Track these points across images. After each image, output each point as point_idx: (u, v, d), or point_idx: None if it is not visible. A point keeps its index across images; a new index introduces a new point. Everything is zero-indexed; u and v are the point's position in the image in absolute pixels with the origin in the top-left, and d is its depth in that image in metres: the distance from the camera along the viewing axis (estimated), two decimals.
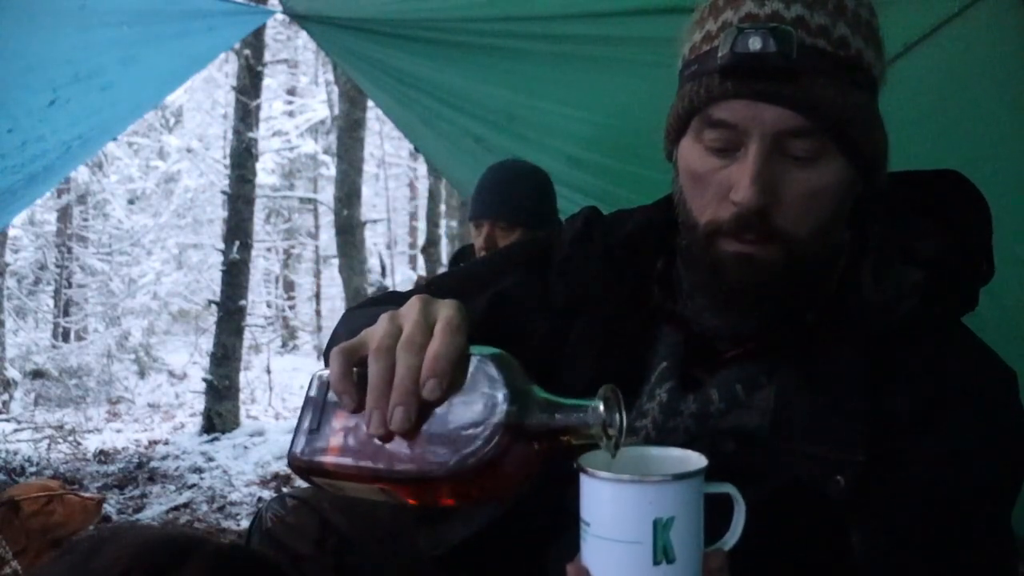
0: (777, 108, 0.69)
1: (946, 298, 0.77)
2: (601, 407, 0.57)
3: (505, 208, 1.86)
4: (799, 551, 0.71)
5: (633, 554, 0.56)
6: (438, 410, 0.58)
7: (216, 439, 5.91)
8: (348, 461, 0.60)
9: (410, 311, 0.60)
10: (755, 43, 0.67)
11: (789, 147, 0.70)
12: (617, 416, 0.58)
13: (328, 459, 0.61)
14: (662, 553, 0.55)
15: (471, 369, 0.58)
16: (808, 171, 0.71)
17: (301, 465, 0.63)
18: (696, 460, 0.59)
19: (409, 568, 1.19)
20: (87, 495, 2.19)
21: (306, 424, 0.62)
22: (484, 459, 0.56)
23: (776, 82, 0.68)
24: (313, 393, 0.63)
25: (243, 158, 6.50)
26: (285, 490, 4.53)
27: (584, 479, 0.57)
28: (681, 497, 0.56)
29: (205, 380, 6.37)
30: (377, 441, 0.59)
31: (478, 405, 0.57)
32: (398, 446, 0.58)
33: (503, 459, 0.56)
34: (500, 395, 0.57)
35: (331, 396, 0.61)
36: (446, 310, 0.60)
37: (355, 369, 0.59)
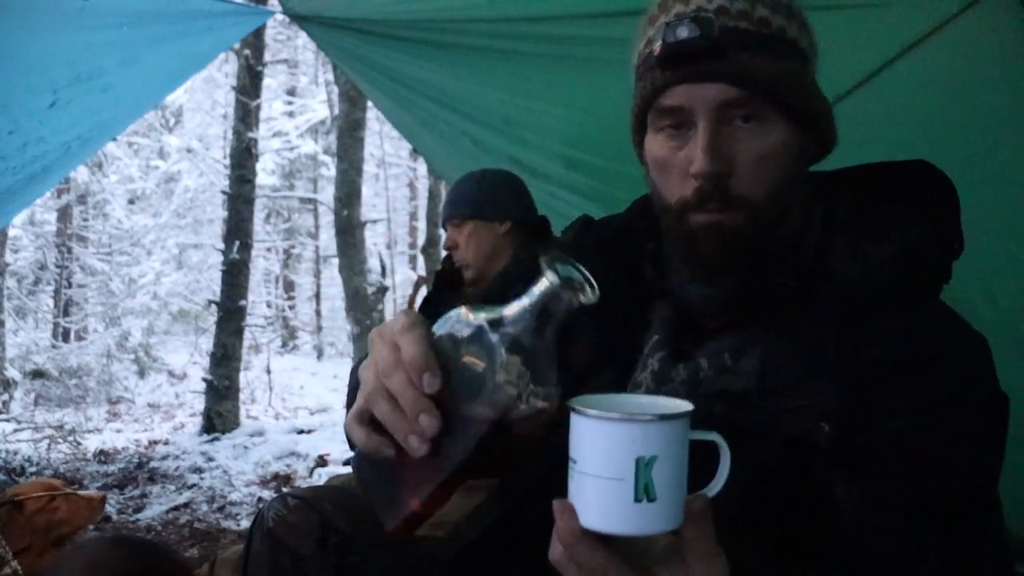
0: (713, 84, 0.78)
1: (918, 270, 0.83)
2: (550, 272, 0.63)
3: (452, 208, 2.02)
4: (791, 507, 0.75)
5: (616, 490, 0.58)
6: (451, 394, 0.62)
7: (216, 439, 5.92)
8: (429, 489, 0.63)
9: (374, 348, 0.65)
10: (682, 32, 0.77)
11: (733, 117, 0.79)
12: (570, 267, 0.63)
13: (414, 506, 0.64)
14: (643, 491, 0.57)
15: (449, 345, 0.63)
16: (754, 136, 0.79)
17: (402, 531, 0.65)
18: (682, 405, 0.61)
19: (410, 568, 1.19)
20: (89, 492, 2.20)
21: (379, 497, 0.66)
22: (509, 389, 0.61)
23: (706, 62, 0.77)
24: (362, 474, 0.68)
25: (243, 158, 6.50)
26: (285, 490, 4.53)
27: (574, 418, 0.60)
28: (664, 437, 0.58)
29: (205, 380, 6.37)
30: (433, 456, 0.62)
31: (476, 359, 0.62)
32: (451, 443, 0.61)
33: (528, 369, 0.62)
34: (485, 339, 0.62)
35: (370, 466, 0.66)
36: (397, 321, 0.65)
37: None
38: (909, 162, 0.91)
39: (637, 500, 0.58)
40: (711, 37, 0.76)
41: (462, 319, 0.64)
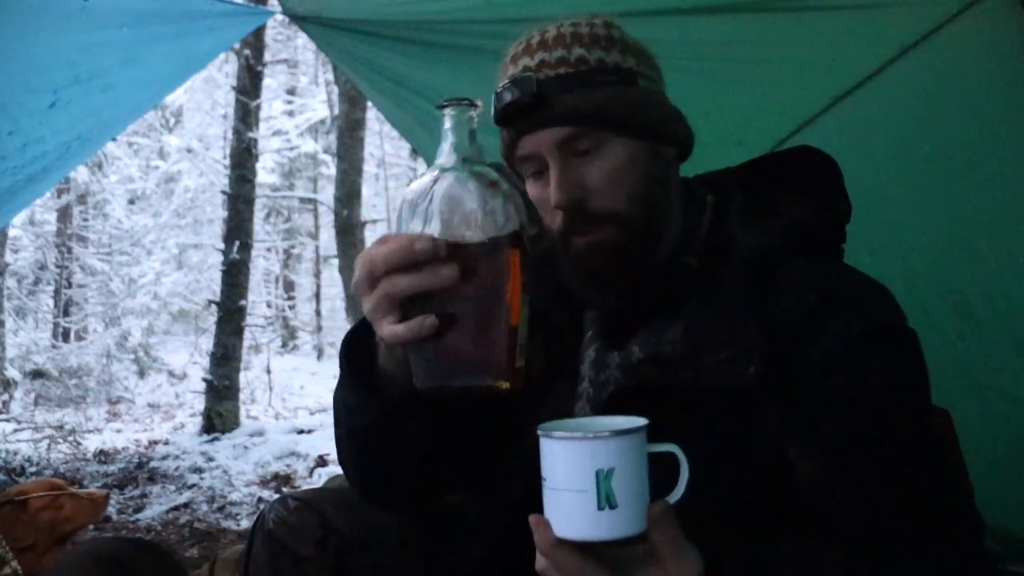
0: (545, 130, 0.89)
1: (810, 233, 0.93)
2: (449, 109, 0.74)
3: None
4: (740, 464, 0.82)
5: (581, 501, 0.65)
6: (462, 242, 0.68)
7: (216, 439, 5.91)
8: (493, 324, 0.68)
9: (366, 255, 0.73)
10: (506, 96, 0.89)
11: (576, 149, 0.89)
12: (465, 102, 0.74)
13: (488, 352, 0.69)
14: (605, 500, 0.65)
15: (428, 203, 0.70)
16: (598, 160, 0.89)
17: (508, 375, 0.70)
18: (637, 422, 0.68)
19: (409, 569, 1.20)
20: (93, 490, 2.21)
21: (447, 372, 0.70)
22: (484, 198, 0.69)
23: (533, 114, 0.89)
24: (418, 368, 0.71)
25: (243, 158, 6.50)
26: (285, 490, 4.53)
27: (542, 441, 0.68)
28: (620, 451, 0.65)
29: (205, 380, 6.37)
30: (473, 300, 0.68)
31: (459, 201, 0.69)
32: (481, 277, 0.68)
33: (495, 190, 0.70)
34: (452, 180, 0.70)
35: (420, 354, 0.71)
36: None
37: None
38: (793, 149, 1.01)
39: (600, 508, 0.65)
40: (531, 93, 0.87)
41: (420, 185, 0.71)
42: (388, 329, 0.71)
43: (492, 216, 0.68)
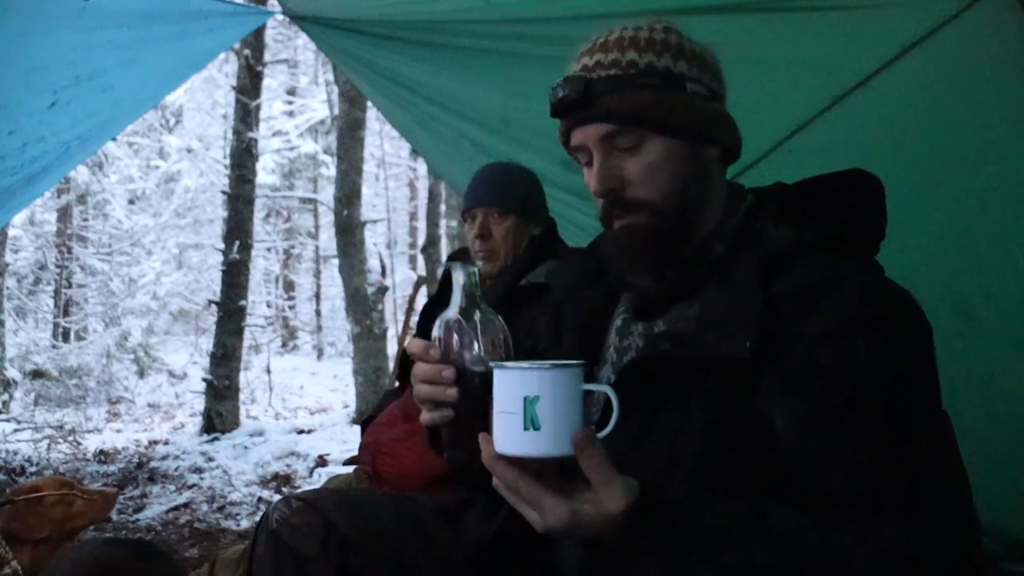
0: (591, 125, 1.00)
1: (843, 238, 0.98)
2: (457, 271, 0.96)
3: (498, 197, 1.90)
4: (725, 423, 0.90)
5: (511, 421, 0.79)
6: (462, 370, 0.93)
7: (216, 439, 5.91)
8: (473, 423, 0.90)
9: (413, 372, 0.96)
10: (559, 92, 1.00)
11: (617, 145, 0.99)
12: (468, 264, 0.97)
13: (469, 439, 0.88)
14: (530, 422, 0.78)
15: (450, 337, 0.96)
16: (637, 155, 0.99)
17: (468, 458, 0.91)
18: (573, 363, 0.81)
19: (412, 568, 1.20)
20: (102, 487, 2.30)
21: (457, 446, 0.97)
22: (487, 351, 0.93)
23: (580, 110, 0.99)
24: (446, 439, 0.98)
25: (243, 158, 6.50)
26: (286, 490, 4.53)
27: (494, 373, 0.82)
28: (544, 381, 0.79)
29: (205, 380, 6.37)
30: (467, 401, 0.92)
31: (466, 343, 0.94)
32: (470, 393, 0.92)
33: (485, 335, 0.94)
34: (464, 327, 0.94)
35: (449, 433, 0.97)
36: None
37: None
38: (845, 170, 1.05)
39: (525, 429, 0.78)
40: (579, 91, 0.98)
41: (443, 320, 0.96)
42: (421, 416, 0.95)
43: (486, 351, 0.93)
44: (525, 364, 0.80)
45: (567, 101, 1.00)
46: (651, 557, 0.79)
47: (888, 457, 0.84)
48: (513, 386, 0.79)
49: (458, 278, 0.95)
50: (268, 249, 14.03)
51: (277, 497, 4.36)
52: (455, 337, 0.93)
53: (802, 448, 0.86)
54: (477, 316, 0.94)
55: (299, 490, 3.19)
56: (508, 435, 0.79)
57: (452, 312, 0.95)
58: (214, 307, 6.64)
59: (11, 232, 9.73)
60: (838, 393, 0.86)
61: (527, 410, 0.78)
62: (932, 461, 0.86)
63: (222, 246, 6.59)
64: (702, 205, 1.01)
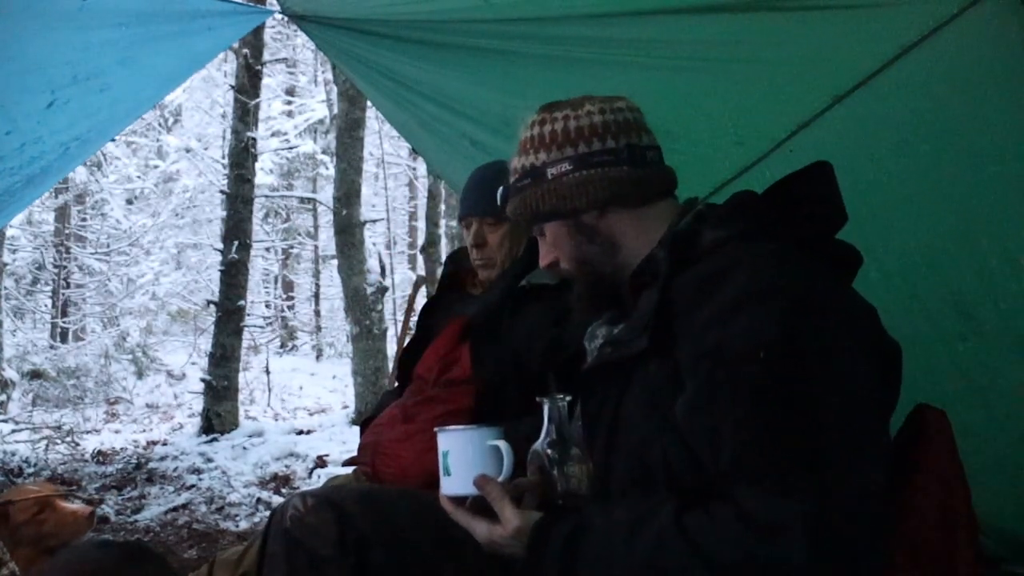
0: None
1: (758, 228, 1.03)
2: (548, 405, 1.11)
3: (490, 205, 1.86)
4: (647, 416, 1.00)
5: (441, 470, 1.09)
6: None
7: (215, 440, 5.91)
8: None
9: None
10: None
11: (538, 233, 1.23)
12: (556, 397, 1.12)
13: None
14: (445, 470, 1.09)
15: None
16: (546, 239, 1.21)
17: None
18: (484, 429, 1.10)
19: (430, 567, 1.20)
20: (78, 507, 2.15)
21: None
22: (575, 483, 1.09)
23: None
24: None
25: (242, 158, 6.49)
26: (285, 491, 4.52)
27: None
28: (451, 441, 1.09)
29: (204, 380, 6.36)
30: None
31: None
32: None
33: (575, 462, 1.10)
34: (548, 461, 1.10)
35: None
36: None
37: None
38: (807, 166, 1.08)
39: (444, 475, 1.09)
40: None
41: (533, 451, 1.12)
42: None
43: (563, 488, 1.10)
44: (447, 427, 1.10)
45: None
46: (548, 566, 0.97)
47: (756, 429, 0.87)
48: (439, 443, 1.09)
49: (548, 411, 1.10)
50: (267, 249, 14.02)
51: (277, 498, 4.36)
52: (543, 467, 1.09)
53: (687, 427, 0.93)
54: (564, 450, 1.09)
55: (308, 488, 3.18)
56: (441, 481, 1.09)
57: (540, 444, 1.10)
58: (213, 307, 6.63)
59: (9, 232, 9.72)
60: (718, 370, 0.91)
61: (443, 461, 1.08)
62: (807, 434, 0.86)
63: (221, 246, 6.58)
64: (608, 256, 1.15)
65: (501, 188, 1.21)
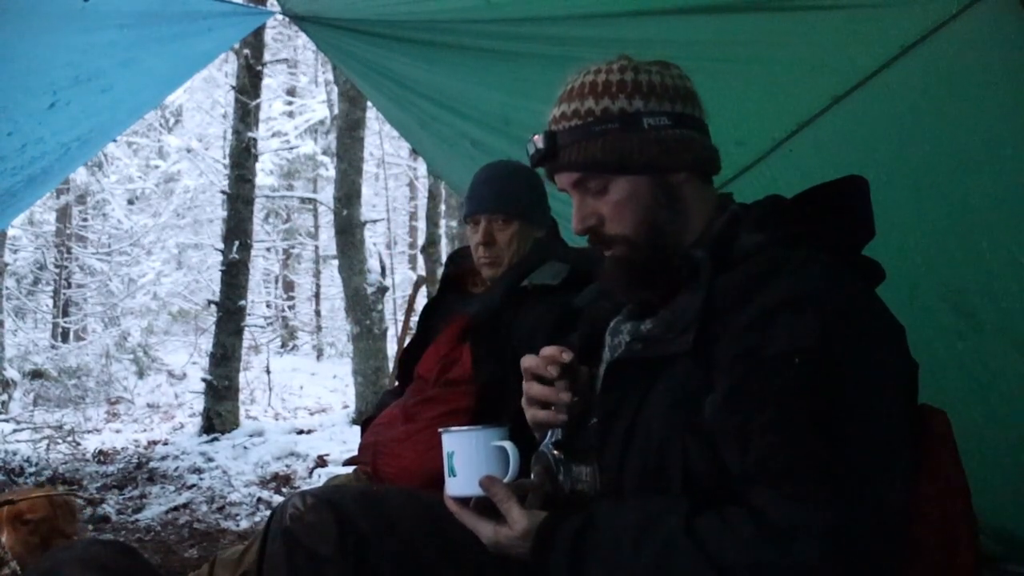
0: (561, 174, 1.11)
1: (797, 235, 1.02)
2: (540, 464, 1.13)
3: (501, 202, 1.86)
4: (678, 415, 0.97)
5: (447, 471, 1.07)
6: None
7: (215, 439, 5.91)
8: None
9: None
10: (530, 148, 1.12)
11: (588, 188, 1.10)
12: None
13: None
14: (451, 471, 1.07)
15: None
16: (607, 196, 1.09)
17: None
18: (477, 428, 1.08)
19: (430, 569, 1.20)
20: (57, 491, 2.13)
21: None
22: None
23: (550, 161, 1.11)
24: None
25: (242, 158, 6.50)
26: (286, 491, 4.53)
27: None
28: (456, 442, 1.07)
29: (204, 380, 6.37)
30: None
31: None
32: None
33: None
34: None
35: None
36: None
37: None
38: (840, 178, 1.08)
39: (449, 476, 1.07)
40: (548, 145, 1.09)
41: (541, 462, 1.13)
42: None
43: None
44: (452, 428, 1.08)
45: (538, 155, 1.11)
46: (555, 567, 0.96)
47: (783, 433, 0.87)
48: (443, 445, 1.08)
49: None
50: (268, 249, 14.02)
51: (277, 497, 4.36)
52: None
53: (716, 426, 0.92)
54: (569, 451, 1.11)
55: (308, 488, 3.19)
56: (446, 482, 1.07)
57: (546, 444, 1.13)
58: (213, 307, 6.63)
59: (10, 232, 9.73)
60: (753, 372, 0.90)
61: (448, 462, 1.06)
62: (832, 443, 0.85)
63: (221, 246, 6.59)
64: (677, 226, 1.09)
65: (546, 133, 1.10)
